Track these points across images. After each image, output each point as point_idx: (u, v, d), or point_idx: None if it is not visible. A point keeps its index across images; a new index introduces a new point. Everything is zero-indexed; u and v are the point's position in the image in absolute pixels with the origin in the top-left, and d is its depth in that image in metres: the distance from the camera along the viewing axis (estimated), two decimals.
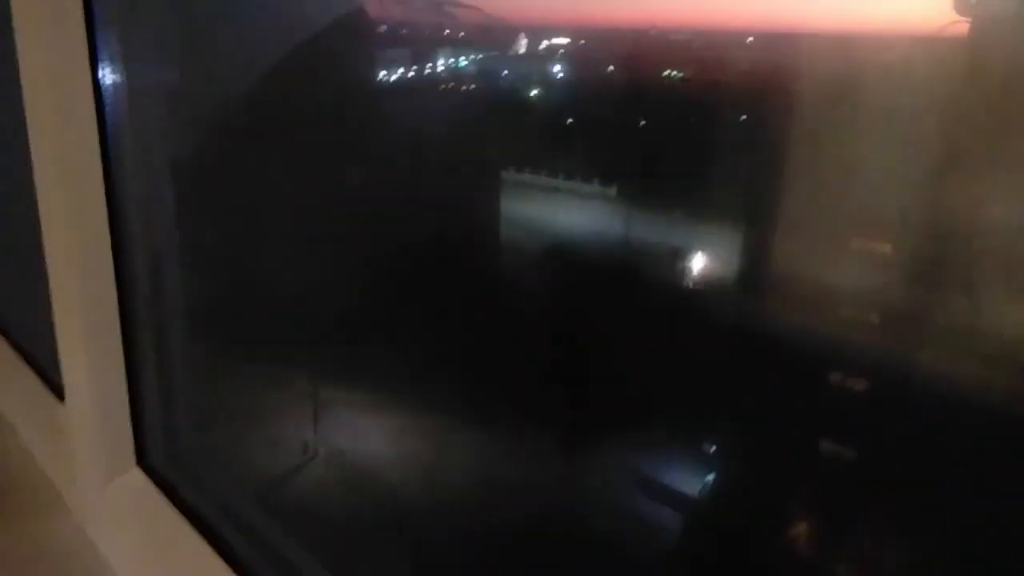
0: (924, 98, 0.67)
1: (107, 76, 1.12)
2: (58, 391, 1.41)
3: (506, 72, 1.04)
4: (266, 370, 1.35)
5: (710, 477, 0.88)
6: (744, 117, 0.82)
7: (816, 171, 0.75)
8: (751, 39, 0.83)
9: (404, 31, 1.12)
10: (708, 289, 0.85)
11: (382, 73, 1.12)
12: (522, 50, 0.99)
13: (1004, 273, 0.63)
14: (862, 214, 0.71)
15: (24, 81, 1.12)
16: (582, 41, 0.97)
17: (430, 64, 1.08)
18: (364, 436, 1.27)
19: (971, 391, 0.64)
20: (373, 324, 1.17)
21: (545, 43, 0.98)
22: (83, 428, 1.25)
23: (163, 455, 1.32)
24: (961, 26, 0.63)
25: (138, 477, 1.28)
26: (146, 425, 1.30)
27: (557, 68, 0.98)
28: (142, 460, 1.30)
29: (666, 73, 0.87)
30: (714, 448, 0.88)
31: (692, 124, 0.86)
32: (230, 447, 1.41)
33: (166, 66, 1.21)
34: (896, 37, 0.69)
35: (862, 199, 0.71)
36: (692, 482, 0.88)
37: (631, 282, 0.89)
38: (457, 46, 1.07)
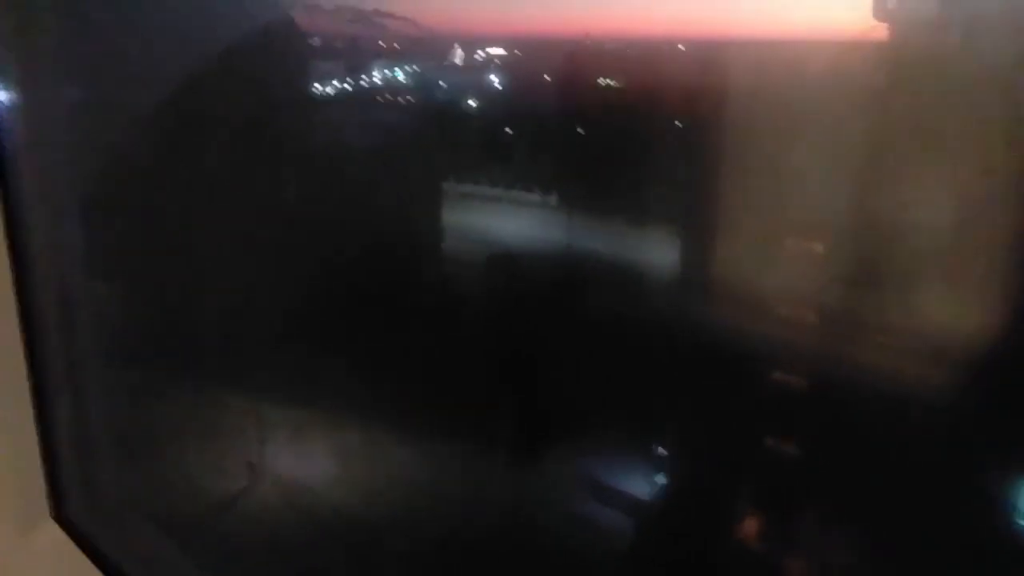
0: (847, 100, 0.69)
1: (2, 99, 1.04)
2: None
3: (441, 83, 1.04)
4: (191, 407, 1.29)
5: (659, 478, 0.88)
6: (676, 122, 0.83)
7: (745, 174, 0.76)
8: (680, 46, 0.84)
9: (336, 43, 1.10)
10: (650, 293, 0.86)
11: (314, 85, 1.10)
12: (457, 61, 0.99)
13: (932, 270, 0.65)
14: (793, 215, 0.73)
15: None
16: (516, 51, 0.97)
17: (363, 76, 1.07)
18: (303, 469, 1.23)
19: (906, 385, 0.66)
20: (314, 343, 1.14)
21: (480, 53, 0.98)
22: None
23: (81, 506, 1.24)
24: (880, 30, 0.65)
25: (53, 532, 1.20)
26: (62, 475, 1.21)
27: (492, 78, 0.98)
28: (58, 512, 1.21)
29: (601, 81, 0.88)
30: (662, 449, 0.89)
31: (627, 131, 0.87)
32: (153, 492, 1.35)
33: (74, 84, 1.14)
34: (818, 42, 0.71)
35: (792, 201, 0.73)
36: (642, 484, 0.89)
37: (575, 289, 0.90)
38: (390, 58, 1.06)
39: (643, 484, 0.89)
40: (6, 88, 1.06)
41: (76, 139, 1.18)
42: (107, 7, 1.16)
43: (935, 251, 0.65)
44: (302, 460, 1.26)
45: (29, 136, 1.12)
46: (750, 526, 0.79)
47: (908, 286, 0.67)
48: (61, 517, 1.24)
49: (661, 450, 0.89)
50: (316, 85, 1.10)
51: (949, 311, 0.64)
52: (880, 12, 0.65)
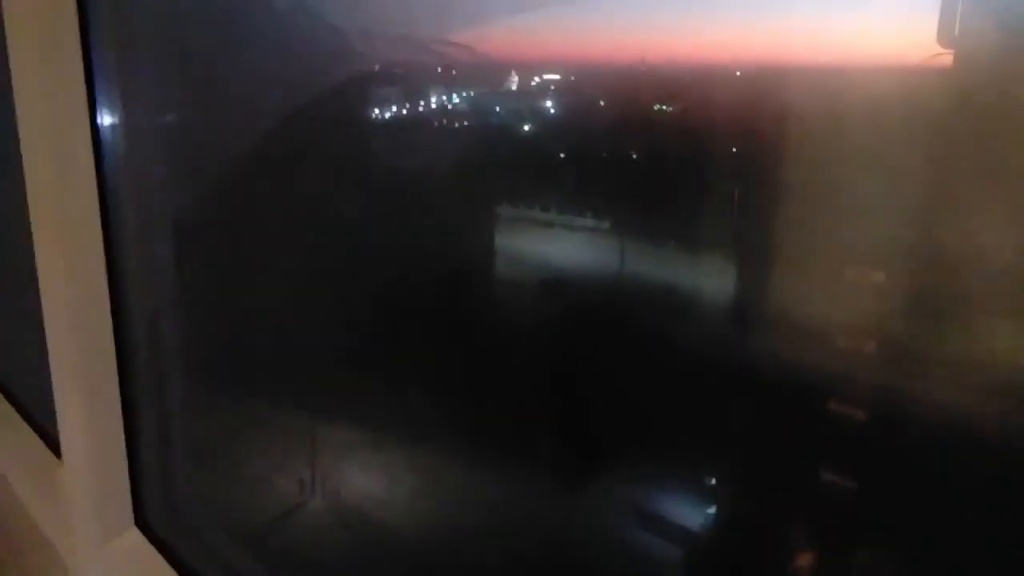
0: (909, 130, 0.67)
1: (106, 128, 1.12)
2: (56, 449, 1.39)
3: (498, 109, 1.05)
4: (268, 425, 1.33)
5: (711, 510, 0.87)
6: (734, 150, 0.83)
7: (806, 204, 0.75)
8: (737, 73, 0.84)
9: (396, 71, 1.13)
10: (704, 323, 0.85)
11: (377, 113, 1.13)
12: (514, 87, 1.00)
13: (996, 303, 0.63)
14: (854, 246, 0.72)
15: (22, 135, 1.12)
16: (572, 77, 0.98)
17: (422, 102, 1.09)
18: (363, 486, 1.25)
19: (970, 421, 0.64)
20: (371, 365, 1.16)
21: (536, 79, 0.99)
22: (80, 489, 1.23)
23: (162, 514, 1.29)
24: (945, 58, 0.64)
25: (136, 537, 1.25)
26: (144, 485, 1.27)
27: (547, 103, 1.00)
28: (140, 519, 1.27)
29: (657, 107, 0.88)
30: (715, 481, 0.88)
31: (684, 158, 0.86)
32: (231, 505, 1.39)
33: (166, 116, 1.21)
34: (880, 69, 0.70)
35: (852, 232, 0.71)
36: (694, 515, 0.88)
37: (628, 317, 0.89)
38: (449, 84, 1.08)
39: (693, 515, 0.88)
40: (111, 113, 1.14)
41: (168, 165, 1.24)
42: (198, 44, 1.23)
43: (1000, 285, 0.63)
44: (354, 479, 1.28)
45: (128, 160, 1.19)
46: (803, 564, 0.77)
47: (972, 319, 0.65)
48: (143, 524, 1.31)
49: (712, 481, 0.88)
50: (378, 112, 1.13)
51: (1015, 345, 0.62)
52: (945, 39, 0.64)
